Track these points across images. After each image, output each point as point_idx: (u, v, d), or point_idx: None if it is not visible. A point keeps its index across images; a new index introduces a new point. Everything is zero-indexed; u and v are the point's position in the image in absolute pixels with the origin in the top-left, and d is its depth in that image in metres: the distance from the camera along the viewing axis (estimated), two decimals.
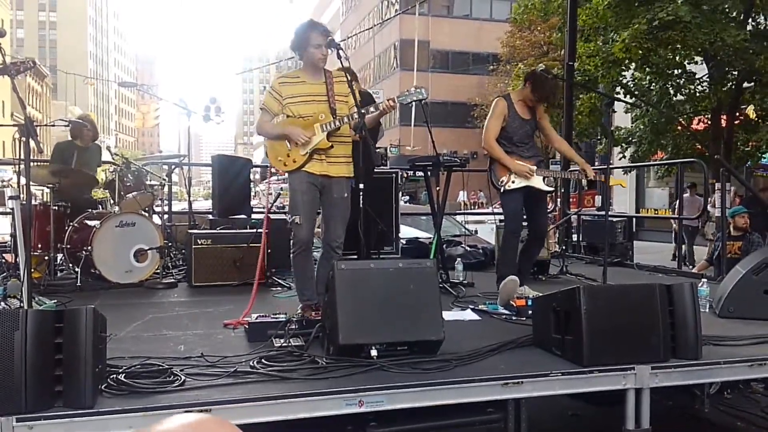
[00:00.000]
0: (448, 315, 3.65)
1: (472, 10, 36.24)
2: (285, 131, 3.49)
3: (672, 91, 13.17)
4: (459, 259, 5.11)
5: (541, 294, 3.56)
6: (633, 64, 12.77)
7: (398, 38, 35.44)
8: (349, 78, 3.47)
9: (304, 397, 2.32)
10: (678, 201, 7.93)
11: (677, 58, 12.68)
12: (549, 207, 10.24)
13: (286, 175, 3.61)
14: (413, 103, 3.67)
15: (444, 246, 5.40)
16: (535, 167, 4.10)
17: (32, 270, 4.44)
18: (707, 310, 3.74)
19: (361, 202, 3.29)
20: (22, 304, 3.05)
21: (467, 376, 2.54)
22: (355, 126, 3.44)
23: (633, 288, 3.01)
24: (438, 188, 4.78)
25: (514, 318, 3.68)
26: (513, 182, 4.06)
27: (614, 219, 7.36)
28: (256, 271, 4.08)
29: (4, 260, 4.71)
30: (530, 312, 3.43)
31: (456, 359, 2.70)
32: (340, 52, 3.40)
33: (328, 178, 3.50)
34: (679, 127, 13.62)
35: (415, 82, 24.94)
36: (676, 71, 12.93)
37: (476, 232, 9.27)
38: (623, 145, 14.42)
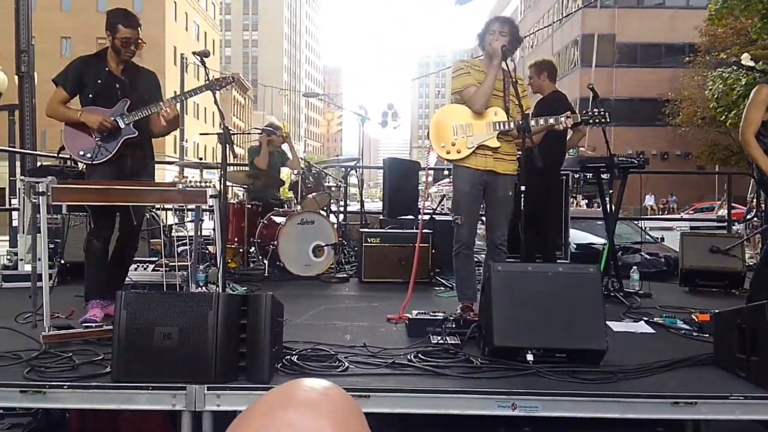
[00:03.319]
0: (617, 326, 3.46)
1: None
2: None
3: None
4: (635, 267, 4.76)
5: None
6: None
7: (580, 33, 33.67)
8: (516, 79, 3.41)
9: (456, 393, 2.38)
10: None
11: None
12: (745, 213, 9.00)
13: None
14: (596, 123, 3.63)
15: (620, 253, 5.05)
16: None
17: (229, 260, 5.09)
18: None
19: (522, 204, 3.24)
20: (217, 289, 3.51)
21: (632, 391, 2.39)
22: (518, 127, 3.39)
23: None
24: (611, 191, 4.49)
25: (694, 334, 3.35)
26: None
27: None
28: (420, 270, 4.21)
29: (207, 251, 5.43)
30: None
31: (621, 372, 2.55)
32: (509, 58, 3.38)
33: (494, 174, 3.46)
34: None
35: (595, 78, 23.44)
36: None
37: (662, 239, 8.46)
38: None
